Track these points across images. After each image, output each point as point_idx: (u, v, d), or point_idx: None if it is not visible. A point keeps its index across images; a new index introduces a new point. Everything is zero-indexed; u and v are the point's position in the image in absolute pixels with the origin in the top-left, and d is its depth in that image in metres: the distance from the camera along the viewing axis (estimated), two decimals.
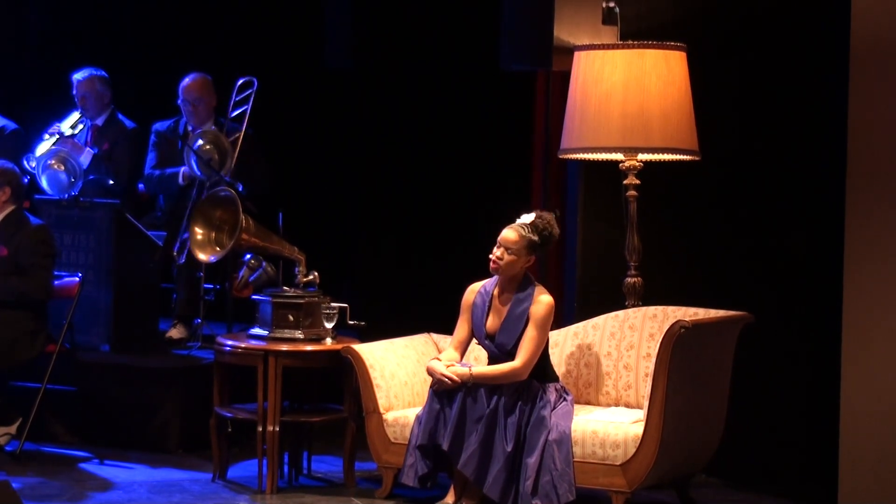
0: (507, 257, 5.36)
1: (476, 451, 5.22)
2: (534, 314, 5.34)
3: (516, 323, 5.35)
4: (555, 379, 5.45)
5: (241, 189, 6.65)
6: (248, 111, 6.97)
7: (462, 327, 5.50)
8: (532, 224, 5.38)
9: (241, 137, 6.91)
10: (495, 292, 5.45)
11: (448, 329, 5.72)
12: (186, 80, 7.10)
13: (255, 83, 6.99)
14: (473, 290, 5.50)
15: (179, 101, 7.11)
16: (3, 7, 8.28)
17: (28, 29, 8.39)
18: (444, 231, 7.38)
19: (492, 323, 5.43)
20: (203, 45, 7.96)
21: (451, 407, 5.27)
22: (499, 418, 5.24)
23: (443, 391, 5.30)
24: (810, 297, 6.18)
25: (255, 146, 7.06)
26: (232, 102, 7.03)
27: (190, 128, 7.07)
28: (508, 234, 5.38)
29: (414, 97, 7.64)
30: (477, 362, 5.51)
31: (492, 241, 5.47)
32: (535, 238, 5.37)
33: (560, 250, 6.69)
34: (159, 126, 7.23)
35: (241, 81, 7.02)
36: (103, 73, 7.26)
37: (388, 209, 7.80)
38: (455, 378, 5.28)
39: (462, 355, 5.49)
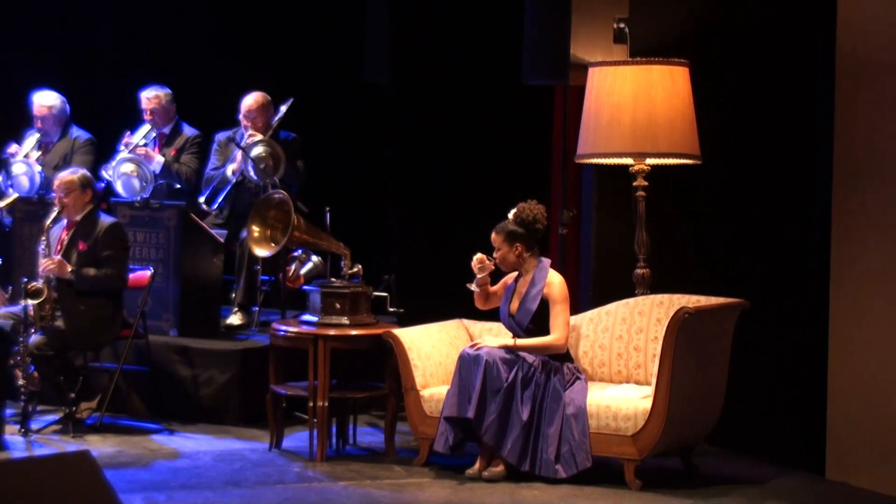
0: (497, 255, 5.69)
1: (495, 420, 5.41)
2: (551, 294, 5.60)
3: (531, 303, 5.63)
4: (569, 360, 5.65)
5: (293, 191, 6.78)
6: (281, 118, 7.18)
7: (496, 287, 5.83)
8: (513, 216, 5.65)
9: (280, 132, 7.11)
10: (519, 280, 5.77)
11: (476, 316, 5.98)
12: (247, 100, 7.18)
13: (290, 100, 7.17)
14: (511, 276, 5.78)
15: (240, 116, 7.21)
16: (78, 28, 8.38)
17: (100, 49, 8.50)
18: (473, 229, 7.20)
19: (513, 304, 5.73)
20: (255, 62, 8.12)
21: (475, 382, 5.45)
22: (516, 391, 5.43)
23: (466, 370, 5.50)
24: (801, 284, 6.33)
25: (295, 149, 7.19)
26: (275, 119, 7.23)
27: (246, 137, 7.18)
28: (492, 236, 5.70)
29: (445, 108, 7.79)
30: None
31: None
32: (515, 227, 5.63)
33: (577, 244, 6.83)
34: (220, 136, 7.41)
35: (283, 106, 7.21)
36: (167, 89, 7.44)
37: (423, 210, 7.97)
38: (505, 345, 5.54)
39: (488, 294, 5.78)
